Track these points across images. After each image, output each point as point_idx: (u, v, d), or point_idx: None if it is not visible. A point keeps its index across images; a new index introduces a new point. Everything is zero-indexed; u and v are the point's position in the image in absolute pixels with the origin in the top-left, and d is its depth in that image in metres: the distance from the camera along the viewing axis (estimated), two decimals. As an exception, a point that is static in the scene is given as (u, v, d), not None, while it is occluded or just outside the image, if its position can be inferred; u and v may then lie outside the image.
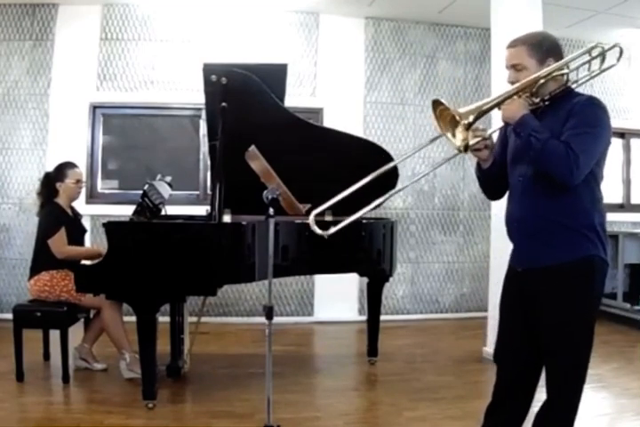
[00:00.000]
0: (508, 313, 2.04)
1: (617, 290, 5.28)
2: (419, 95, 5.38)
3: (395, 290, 5.28)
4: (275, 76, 3.31)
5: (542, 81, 1.83)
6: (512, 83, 1.89)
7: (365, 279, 3.85)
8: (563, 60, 1.86)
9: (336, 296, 5.09)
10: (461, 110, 1.75)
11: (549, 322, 1.86)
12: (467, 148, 1.81)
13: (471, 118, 1.75)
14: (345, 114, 5.16)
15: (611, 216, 6.19)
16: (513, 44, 1.91)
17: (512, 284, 2.02)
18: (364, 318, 3.97)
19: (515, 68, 1.89)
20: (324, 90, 5.21)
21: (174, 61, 5.01)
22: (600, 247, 1.85)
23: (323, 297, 5.14)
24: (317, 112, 5.17)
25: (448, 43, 5.46)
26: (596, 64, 1.90)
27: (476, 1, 4.48)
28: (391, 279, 3.89)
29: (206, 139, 3.69)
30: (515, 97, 1.84)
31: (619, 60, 1.90)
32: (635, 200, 6.02)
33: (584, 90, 1.99)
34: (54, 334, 3.33)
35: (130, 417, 2.76)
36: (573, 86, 1.90)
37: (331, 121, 5.01)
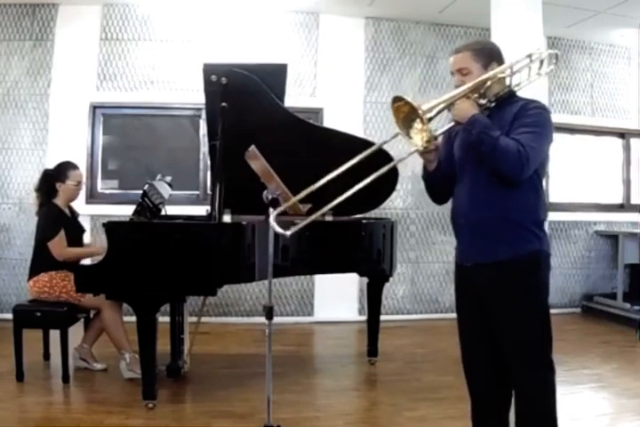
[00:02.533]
0: (466, 318, 2.08)
1: (617, 290, 5.28)
2: (419, 95, 5.36)
3: (395, 290, 5.28)
4: (275, 76, 3.31)
5: (489, 83, 1.94)
6: (458, 86, 1.97)
7: (365, 279, 3.85)
8: (507, 63, 1.98)
9: (336, 296, 5.09)
10: (424, 106, 1.81)
11: (503, 317, 1.92)
12: (426, 144, 1.86)
13: (434, 112, 1.82)
14: (345, 114, 5.16)
15: (611, 216, 6.16)
16: (458, 50, 2.03)
17: (462, 281, 2.08)
18: (364, 318, 3.97)
19: (460, 72, 1.99)
20: (324, 90, 5.21)
21: (174, 61, 5.01)
22: (544, 242, 1.95)
23: (323, 297, 5.14)
24: (317, 112, 5.17)
25: (448, 43, 5.45)
26: (535, 68, 2.04)
27: (476, 1, 4.48)
28: (391, 279, 3.88)
29: (206, 139, 3.69)
30: (465, 98, 1.93)
31: (556, 64, 2.09)
32: (635, 200, 6.00)
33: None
34: (54, 334, 3.32)
35: (130, 417, 2.76)
36: (516, 89, 2.02)
37: (331, 121, 5.00)
